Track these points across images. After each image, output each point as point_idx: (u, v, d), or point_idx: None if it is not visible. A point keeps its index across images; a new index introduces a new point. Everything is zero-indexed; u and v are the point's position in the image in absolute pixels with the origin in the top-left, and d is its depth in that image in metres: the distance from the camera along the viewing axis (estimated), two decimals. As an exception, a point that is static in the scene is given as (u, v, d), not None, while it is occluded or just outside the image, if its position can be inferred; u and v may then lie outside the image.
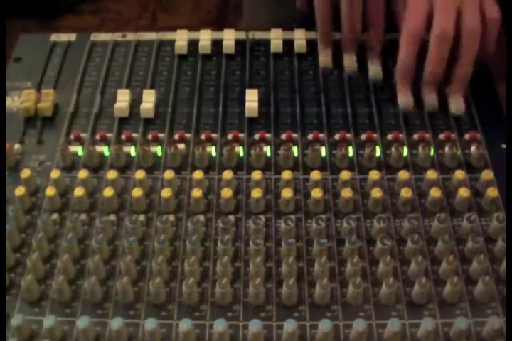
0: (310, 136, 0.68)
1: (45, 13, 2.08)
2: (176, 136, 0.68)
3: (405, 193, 0.61)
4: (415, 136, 0.67)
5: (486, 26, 0.69)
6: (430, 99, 0.69)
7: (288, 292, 0.55)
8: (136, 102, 0.71)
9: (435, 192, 0.61)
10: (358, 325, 0.52)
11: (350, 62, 0.74)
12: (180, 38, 0.78)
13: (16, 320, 0.52)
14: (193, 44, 0.77)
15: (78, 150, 0.66)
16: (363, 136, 0.68)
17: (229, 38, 0.78)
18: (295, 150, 0.66)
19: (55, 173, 0.63)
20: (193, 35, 0.78)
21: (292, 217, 0.60)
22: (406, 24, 0.69)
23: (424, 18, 0.68)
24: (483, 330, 0.53)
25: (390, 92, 0.72)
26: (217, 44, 0.77)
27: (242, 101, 0.70)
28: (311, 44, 0.77)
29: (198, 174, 0.63)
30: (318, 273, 0.56)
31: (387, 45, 0.75)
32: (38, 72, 0.75)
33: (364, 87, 0.73)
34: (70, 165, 0.65)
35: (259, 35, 0.79)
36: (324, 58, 0.75)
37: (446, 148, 0.65)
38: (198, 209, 0.62)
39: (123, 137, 0.68)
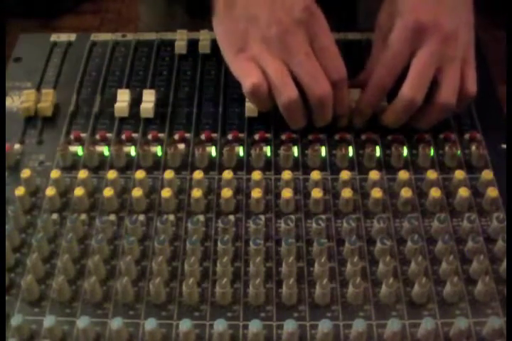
0: (310, 136, 0.68)
1: (45, 13, 2.08)
2: (176, 136, 0.68)
3: (405, 193, 0.61)
4: (415, 136, 0.67)
5: (461, 99, 0.65)
6: None
7: (288, 292, 0.55)
8: (136, 102, 0.71)
9: (435, 192, 0.61)
10: (358, 325, 0.52)
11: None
12: (180, 38, 0.78)
13: (15, 320, 0.52)
14: (193, 44, 0.77)
15: (78, 150, 0.66)
16: (363, 136, 0.68)
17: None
18: (295, 150, 0.66)
19: (55, 173, 0.63)
20: (193, 35, 0.78)
21: (292, 217, 0.60)
22: (376, 74, 0.66)
23: (395, 77, 0.65)
24: (483, 330, 0.53)
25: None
26: (217, 44, 0.77)
27: (242, 101, 0.70)
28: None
29: (198, 174, 0.63)
30: (318, 273, 0.56)
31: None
32: (38, 72, 0.75)
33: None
34: (70, 165, 0.65)
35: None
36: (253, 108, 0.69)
37: (446, 148, 0.65)
38: (198, 209, 0.62)
39: (123, 137, 0.68)
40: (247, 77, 0.63)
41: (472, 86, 0.65)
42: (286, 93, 0.63)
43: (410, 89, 0.63)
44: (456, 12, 0.65)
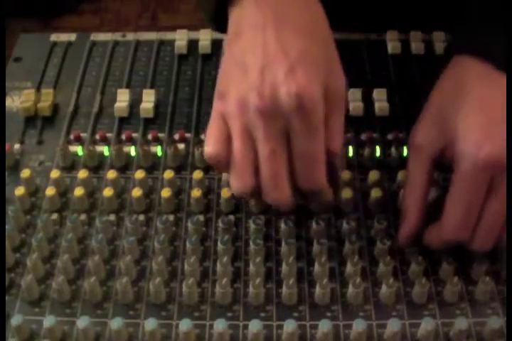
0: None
1: (45, 13, 2.08)
2: (176, 136, 0.68)
3: (405, 193, 0.61)
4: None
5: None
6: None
7: (288, 292, 0.55)
8: (136, 102, 0.71)
9: (435, 192, 0.61)
10: (358, 325, 0.52)
11: None
12: (180, 38, 0.77)
13: (15, 320, 0.52)
14: (193, 44, 0.77)
15: (78, 150, 0.66)
16: (363, 136, 0.68)
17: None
18: (295, 150, 0.66)
19: (55, 173, 0.63)
20: (193, 35, 0.78)
21: (292, 217, 0.60)
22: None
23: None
24: (483, 330, 0.53)
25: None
26: (217, 44, 0.77)
27: (242, 101, 0.70)
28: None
29: (198, 174, 0.63)
30: (318, 273, 0.56)
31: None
32: (38, 72, 0.75)
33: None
34: (70, 165, 0.65)
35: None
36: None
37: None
38: (197, 209, 0.62)
39: (123, 137, 0.68)
40: (210, 144, 0.55)
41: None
42: (239, 184, 0.55)
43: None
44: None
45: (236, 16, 0.58)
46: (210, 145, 0.55)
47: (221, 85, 0.57)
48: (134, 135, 0.68)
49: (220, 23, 0.62)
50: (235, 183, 0.55)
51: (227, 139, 0.55)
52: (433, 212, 0.58)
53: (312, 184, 0.55)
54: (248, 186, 0.55)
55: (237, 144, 0.54)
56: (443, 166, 0.58)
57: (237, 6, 0.58)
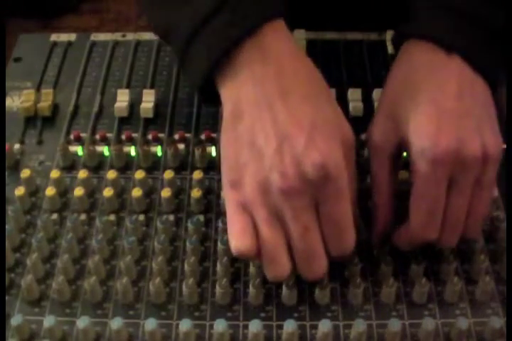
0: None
1: (45, 13, 2.08)
2: (176, 136, 0.68)
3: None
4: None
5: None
6: None
7: (288, 292, 0.55)
8: (136, 102, 0.71)
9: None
10: (358, 325, 0.52)
11: None
12: (180, 38, 0.77)
13: (15, 320, 0.52)
14: (193, 44, 0.77)
15: (78, 150, 0.66)
16: (363, 136, 0.68)
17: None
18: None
19: (55, 173, 0.63)
20: (193, 35, 0.78)
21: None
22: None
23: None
24: (483, 330, 0.53)
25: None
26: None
27: (242, 101, 0.70)
28: (311, 44, 0.77)
29: (198, 174, 0.63)
30: (318, 273, 0.56)
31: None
32: (38, 72, 0.75)
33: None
34: (70, 165, 0.65)
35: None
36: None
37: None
38: (197, 209, 0.62)
39: (123, 137, 0.68)
40: (237, 239, 0.53)
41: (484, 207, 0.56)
42: (275, 272, 0.53)
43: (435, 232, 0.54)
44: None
45: (231, 93, 0.54)
46: (237, 240, 0.52)
47: (232, 173, 0.53)
48: (134, 135, 0.68)
49: (207, 92, 0.57)
50: (271, 272, 0.53)
51: (253, 229, 0.52)
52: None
53: (344, 250, 0.53)
54: (286, 271, 0.53)
55: (266, 233, 0.52)
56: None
57: (230, 79, 0.54)
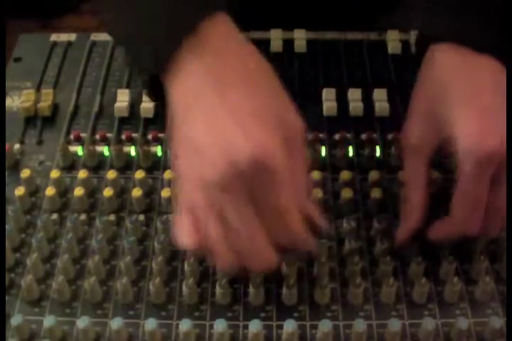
0: (310, 136, 0.68)
1: (45, 13, 2.08)
2: (176, 136, 0.68)
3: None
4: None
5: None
6: None
7: (288, 292, 0.55)
8: (136, 102, 0.71)
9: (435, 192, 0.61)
10: (358, 325, 0.52)
11: None
12: (180, 38, 0.77)
13: (15, 320, 0.52)
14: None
15: (78, 150, 0.66)
16: (363, 136, 0.68)
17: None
18: (295, 150, 0.66)
19: (55, 173, 0.63)
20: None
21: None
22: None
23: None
24: (483, 330, 0.53)
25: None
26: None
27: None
28: (311, 44, 0.77)
29: (198, 174, 0.63)
30: (318, 273, 0.56)
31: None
32: (38, 72, 0.75)
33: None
34: (70, 165, 0.65)
35: (258, 34, 0.79)
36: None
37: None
38: (198, 209, 0.62)
39: (123, 137, 0.68)
40: (182, 236, 0.53)
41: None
42: (221, 263, 0.53)
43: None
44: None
45: (175, 90, 0.54)
46: (182, 236, 0.53)
47: (178, 171, 0.53)
48: (134, 135, 0.68)
49: (156, 90, 0.57)
50: (218, 265, 0.54)
51: (199, 225, 0.52)
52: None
53: (293, 242, 0.52)
54: (234, 264, 0.52)
55: (208, 228, 0.51)
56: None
57: (172, 77, 0.54)
